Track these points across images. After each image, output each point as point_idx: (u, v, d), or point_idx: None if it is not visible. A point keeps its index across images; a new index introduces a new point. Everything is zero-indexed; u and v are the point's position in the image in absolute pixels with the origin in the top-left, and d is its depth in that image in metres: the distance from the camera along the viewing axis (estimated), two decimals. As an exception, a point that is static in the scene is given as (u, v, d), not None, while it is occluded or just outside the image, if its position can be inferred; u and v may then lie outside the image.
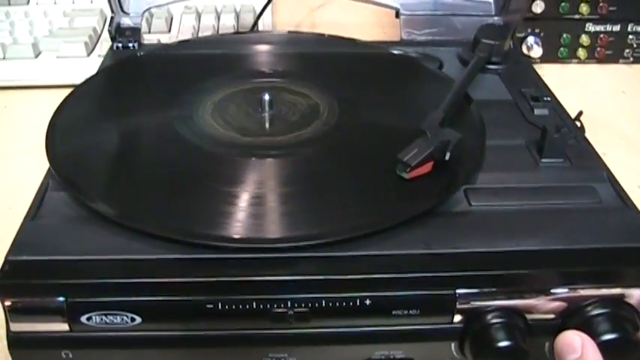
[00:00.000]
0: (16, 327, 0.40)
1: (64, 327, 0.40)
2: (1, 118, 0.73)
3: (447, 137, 0.46)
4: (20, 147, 0.68)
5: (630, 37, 0.83)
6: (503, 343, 0.40)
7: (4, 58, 0.78)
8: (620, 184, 0.48)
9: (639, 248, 0.42)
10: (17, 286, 0.39)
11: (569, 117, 0.54)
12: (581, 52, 0.84)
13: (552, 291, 0.41)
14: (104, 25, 0.85)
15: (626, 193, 0.47)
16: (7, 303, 0.39)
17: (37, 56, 0.79)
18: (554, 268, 0.41)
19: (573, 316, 0.41)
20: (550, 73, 0.82)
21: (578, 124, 0.50)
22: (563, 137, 0.49)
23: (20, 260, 0.40)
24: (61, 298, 0.39)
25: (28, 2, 0.89)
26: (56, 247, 0.41)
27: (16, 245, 0.41)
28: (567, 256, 0.42)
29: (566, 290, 0.41)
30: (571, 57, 0.84)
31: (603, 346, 0.40)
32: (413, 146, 0.45)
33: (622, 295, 0.41)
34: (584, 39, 0.83)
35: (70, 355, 0.41)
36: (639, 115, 0.75)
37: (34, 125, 0.70)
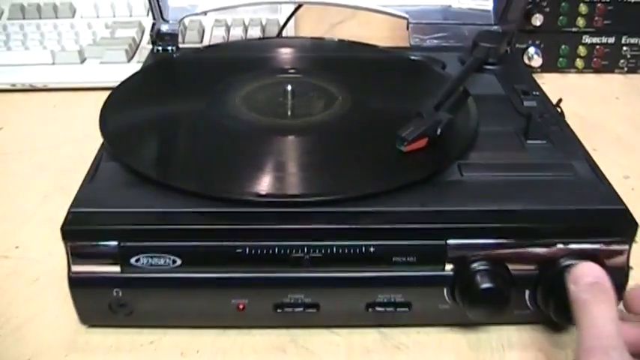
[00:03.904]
0: (77, 268, 0.48)
1: (116, 269, 0.47)
2: (51, 115, 0.82)
3: (439, 117, 0.53)
4: (68, 139, 0.76)
5: (624, 48, 0.90)
6: (487, 285, 0.47)
7: (53, 63, 0.87)
8: (595, 162, 0.54)
9: (606, 210, 0.49)
10: (78, 232, 0.47)
11: (553, 106, 0.61)
12: (579, 63, 0.91)
13: (532, 244, 0.47)
14: (142, 35, 0.94)
15: (599, 169, 0.53)
16: (70, 246, 0.47)
17: (82, 62, 0.88)
18: (534, 224, 0.48)
19: (550, 267, 0.48)
20: (550, 82, 0.89)
21: (559, 110, 0.57)
22: (545, 121, 0.56)
23: (80, 211, 0.48)
24: (114, 243, 0.47)
25: (73, 15, 0.98)
26: (110, 201, 0.49)
27: (77, 200, 0.49)
28: (545, 215, 0.48)
29: (543, 243, 0.47)
30: (569, 67, 0.91)
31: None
32: (410, 125, 0.53)
33: (591, 249, 0.48)
34: (582, 50, 0.90)
35: (120, 294, 0.48)
36: (630, 117, 0.82)
37: (79, 121, 0.79)
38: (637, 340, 0.45)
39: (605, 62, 0.91)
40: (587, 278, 0.44)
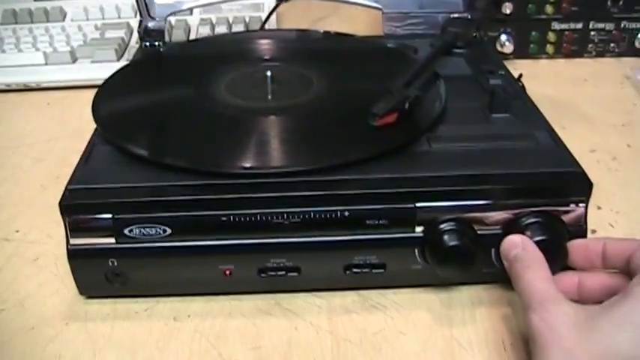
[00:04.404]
0: (75, 241, 0.52)
1: (111, 240, 0.51)
2: (45, 112, 0.86)
3: (408, 93, 0.57)
4: (62, 133, 0.80)
5: (592, 33, 0.94)
6: (453, 243, 0.50)
7: (46, 63, 0.91)
8: (555, 132, 0.58)
9: (563, 172, 0.53)
10: (75, 206, 0.50)
11: (516, 82, 0.65)
12: (550, 48, 0.95)
13: (495, 205, 0.51)
14: (130, 35, 0.98)
15: (559, 137, 0.57)
16: (68, 220, 0.51)
17: (74, 62, 0.92)
18: (496, 186, 0.51)
19: (512, 227, 0.51)
20: (522, 68, 0.91)
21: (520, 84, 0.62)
22: (507, 96, 0.60)
23: (77, 188, 0.52)
24: (109, 215, 0.51)
25: (64, 19, 1.02)
26: (104, 178, 0.52)
27: (73, 178, 0.53)
28: (507, 178, 0.52)
29: (506, 205, 0.51)
30: (540, 53, 0.95)
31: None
32: (381, 101, 0.57)
33: (550, 209, 0.52)
34: (551, 36, 0.94)
35: (116, 263, 0.52)
36: (599, 98, 0.86)
37: (73, 117, 0.83)
38: (600, 286, 0.50)
39: (574, 47, 0.95)
40: (512, 250, 0.50)
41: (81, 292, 0.54)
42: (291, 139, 0.58)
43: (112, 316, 0.54)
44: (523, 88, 0.62)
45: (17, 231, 0.64)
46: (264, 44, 0.79)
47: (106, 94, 0.64)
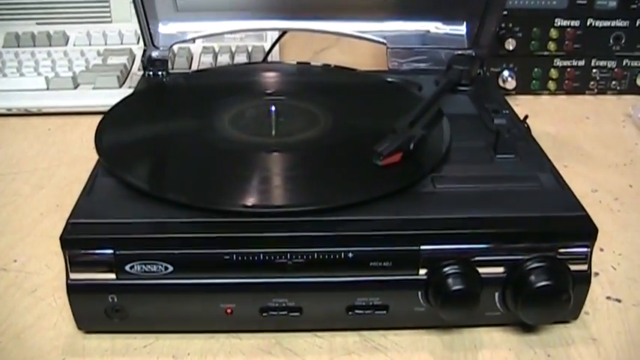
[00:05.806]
0: (75, 276, 0.51)
1: (112, 276, 0.51)
2: (46, 138, 0.85)
3: (413, 133, 0.57)
4: (63, 160, 0.80)
5: (594, 70, 0.94)
6: (457, 287, 0.50)
7: (47, 88, 0.91)
8: (559, 174, 0.58)
9: (568, 216, 0.53)
10: (76, 240, 0.50)
11: (520, 122, 0.65)
12: (551, 85, 0.95)
13: (499, 248, 0.51)
14: (133, 62, 0.98)
15: (563, 180, 0.57)
16: (69, 254, 0.50)
17: (75, 87, 0.92)
18: (501, 230, 0.51)
19: (516, 271, 0.51)
20: (524, 104, 0.93)
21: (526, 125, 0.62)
22: (513, 137, 0.60)
23: (78, 222, 0.51)
24: (110, 251, 0.50)
25: (66, 43, 1.02)
26: (106, 212, 0.52)
27: (75, 212, 0.52)
28: (512, 221, 0.52)
29: (510, 248, 0.51)
30: (542, 89, 0.95)
31: (539, 293, 0.50)
32: (385, 140, 0.57)
33: (554, 253, 0.51)
34: (553, 73, 0.94)
35: (115, 299, 0.51)
36: (600, 136, 0.86)
37: (74, 144, 0.83)
38: None
39: (576, 84, 0.95)
40: None
41: (79, 327, 0.54)
42: (294, 177, 0.57)
43: (111, 351, 0.53)
44: (528, 129, 0.62)
45: (15, 260, 0.63)
46: (269, 77, 0.79)
47: (109, 125, 0.64)
